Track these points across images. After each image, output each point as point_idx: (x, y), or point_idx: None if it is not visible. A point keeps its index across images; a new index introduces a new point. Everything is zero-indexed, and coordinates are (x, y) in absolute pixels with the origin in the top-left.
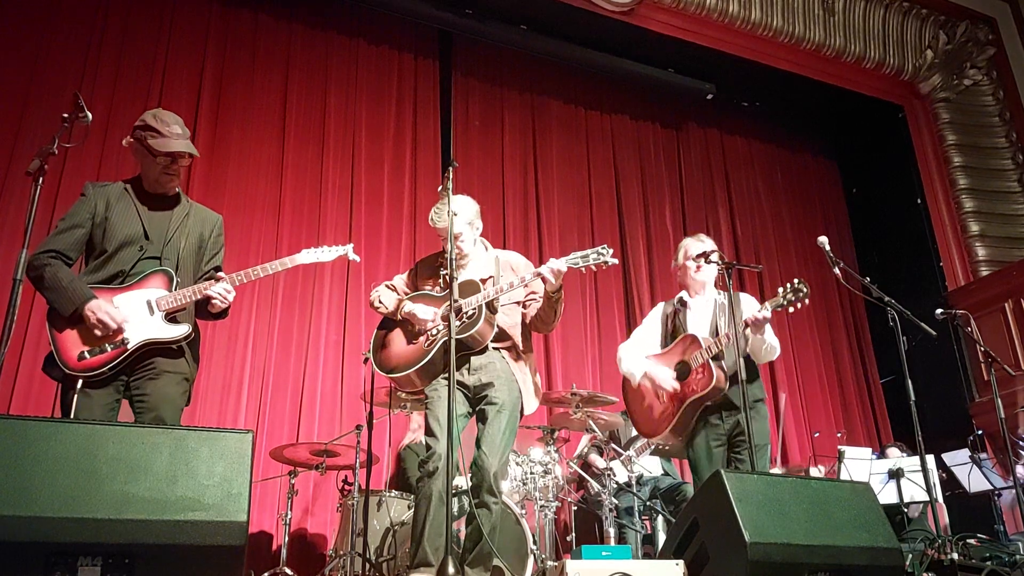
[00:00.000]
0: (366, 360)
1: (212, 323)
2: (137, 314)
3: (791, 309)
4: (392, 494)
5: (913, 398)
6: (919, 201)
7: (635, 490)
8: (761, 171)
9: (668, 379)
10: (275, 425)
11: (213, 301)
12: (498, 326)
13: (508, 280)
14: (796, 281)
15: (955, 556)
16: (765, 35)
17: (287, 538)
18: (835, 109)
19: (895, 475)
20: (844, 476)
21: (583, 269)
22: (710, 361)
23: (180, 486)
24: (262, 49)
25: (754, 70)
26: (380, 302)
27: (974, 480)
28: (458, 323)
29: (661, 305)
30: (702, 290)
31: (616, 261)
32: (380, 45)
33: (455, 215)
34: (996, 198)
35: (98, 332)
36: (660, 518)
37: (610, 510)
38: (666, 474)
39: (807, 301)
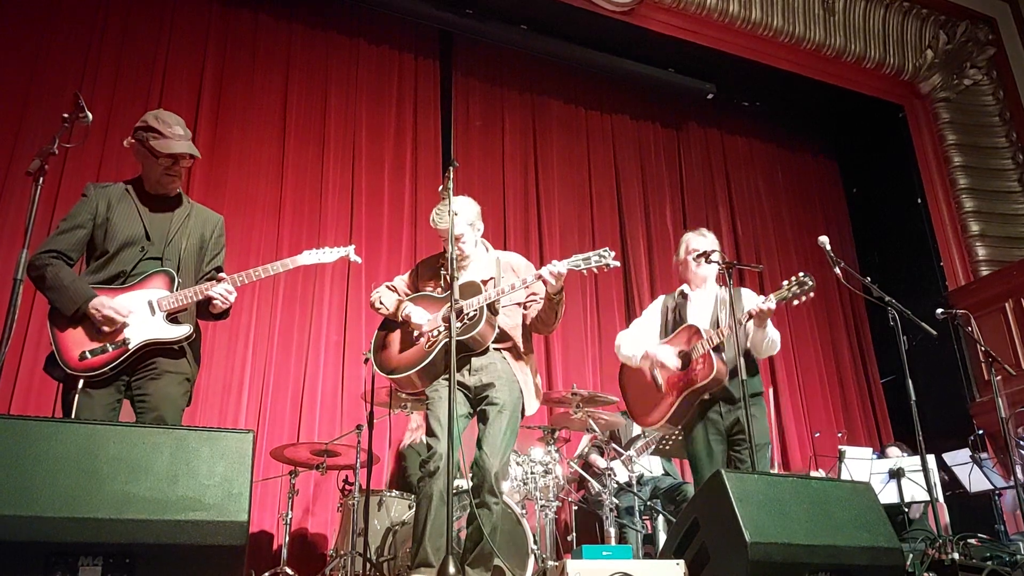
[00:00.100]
0: (367, 360)
1: (213, 323)
2: (138, 314)
3: (795, 302)
4: (393, 494)
5: (913, 398)
6: (919, 201)
7: (636, 490)
8: (761, 171)
9: (670, 357)
10: (276, 425)
11: (214, 302)
12: (499, 327)
13: (509, 281)
14: (801, 274)
15: (956, 556)
16: (765, 35)
17: (288, 538)
18: (835, 109)
19: (896, 475)
20: (844, 476)
21: (584, 271)
22: (711, 352)
23: (181, 486)
24: (262, 49)
25: (754, 70)
26: (381, 303)
27: (975, 480)
28: (459, 324)
29: (662, 298)
30: (703, 284)
31: (618, 263)
32: (380, 45)
33: (456, 215)
34: (996, 198)
35: (106, 328)
36: (660, 518)
37: (611, 510)
38: (666, 474)
39: (812, 294)
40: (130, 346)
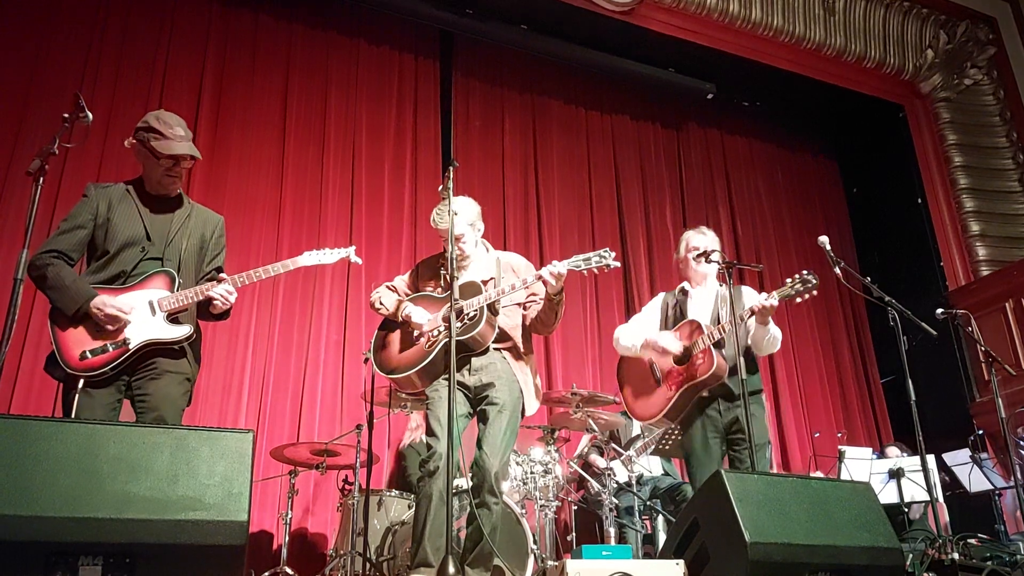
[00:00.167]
0: (366, 360)
1: (213, 323)
2: (139, 314)
3: (798, 300)
4: (392, 494)
5: (913, 398)
6: (919, 201)
7: (635, 490)
8: (761, 171)
9: (672, 342)
10: (275, 425)
11: (215, 302)
12: (499, 327)
13: (509, 282)
14: (805, 272)
15: (956, 556)
16: (765, 35)
17: (287, 537)
18: (835, 109)
19: (896, 475)
20: (844, 476)
21: (584, 271)
22: (712, 348)
23: (181, 486)
24: (262, 49)
25: (754, 70)
26: (381, 303)
27: (975, 480)
28: (459, 324)
29: (662, 295)
30: (704, 282)
31: (618, 264)
32: (380, 45)
33: (456, 215)
34: (997, 198)
35: (109, 327)
36: (660, 518)
37: (610, 510)
38: (666, 474)
39: (815, 293)
40: (130, 346)
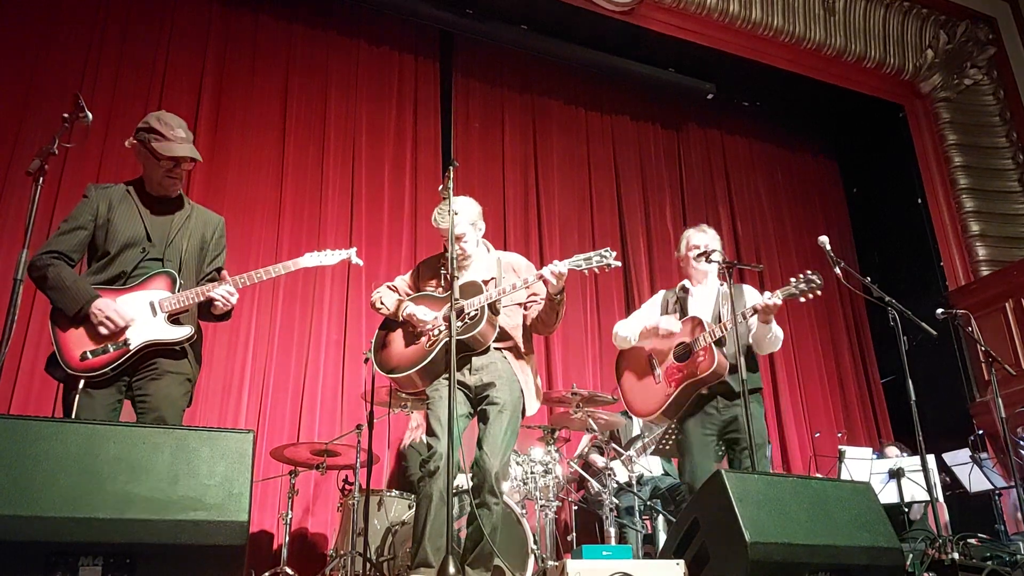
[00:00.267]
0: (367, 360)
1: (213, 323)
2: (140, 315)
3: (802, 299)
4: (392, 494)
5: (913, 398)
6: (919, 201)
7: (636, 490)
8: (761, 171)
9: (673, 323)
10: (276, 425)
11: (216, 303)
12: (500, 326)
13: (510, 281)
14: (809, 272)
15: (956, 556)
16: (765, 35)
17: (288, 538)
18: (835, 109)
19: (896, 475)
20: (844, 476)
21: (585, 271)
22: (713, 345)
23: (181, 486)
24: (262, 49)
25: (754, 70)
26: (381, 303)
27: (975, 480)
28: (460, 324)
29: (662, 292)
30: (704, 280)
31: (619, 263)
32: (380, 45)
33: (456, 215)
34: (997, 198)
35: (104, 330)
36: (660, 518)
37: (611, 510)
38: (666, 474)
39: (819, 293)
40: (131, 347)
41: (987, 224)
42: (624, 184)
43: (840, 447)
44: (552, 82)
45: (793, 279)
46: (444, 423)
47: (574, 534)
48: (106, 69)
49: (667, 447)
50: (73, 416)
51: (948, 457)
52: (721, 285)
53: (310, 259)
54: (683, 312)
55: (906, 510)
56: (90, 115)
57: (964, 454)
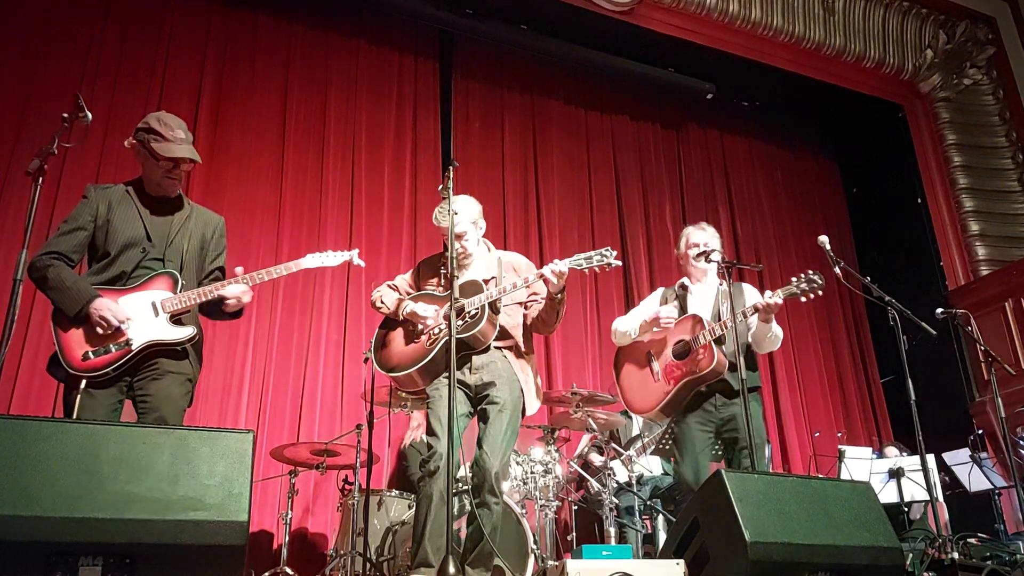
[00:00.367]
0: (367, 359)
1: (213, 323)
2: (142, 315)
3: (803, 299)
4: (392, 493)
5: (913, 398)
6: (919, 200)
7: (635, 490)
8: (761, 171)
9: (672, 311)
10: (276, 425)
11: (227, 301)
12: (500, 325)
13: (511, 281)
14: (811, 272)
15: (956, 555)
16: (765, 34)
17: (288, 537)
18: (835, 109)
19: (896, 475)
20: (844, 476)
21: (586, 270)
22: (712, 343)
23: (181, 486)
24: (262, 49)
25: (754, 69)
26: (382, 302)
27: (974, 480)
28: (460, 323)
29: (661, 290)
30: (704, 278)
31: (619, 263)
32: (380, 45)
33: (456, 214)
34: (996, 197)
35: (99, 330)
36: (660, 518)
37: (611, 509)
38: (666, 474)
39: (820, 293)
40: (133, 347)
41: (987, 224)
42: (624, 184)
43: (840, 447)
44: (552, 82)
45: (794, 278)
46: (444, 422)
47: (574, 534)
48: (106, 69)
49: (667, 447)
50: (75, 416)
51: (948, 457)
52: (721, 284)
53: (312, 260)
54: (683, 310)
55: (906, 510)
56: (90, 115)
57: (964, 454)
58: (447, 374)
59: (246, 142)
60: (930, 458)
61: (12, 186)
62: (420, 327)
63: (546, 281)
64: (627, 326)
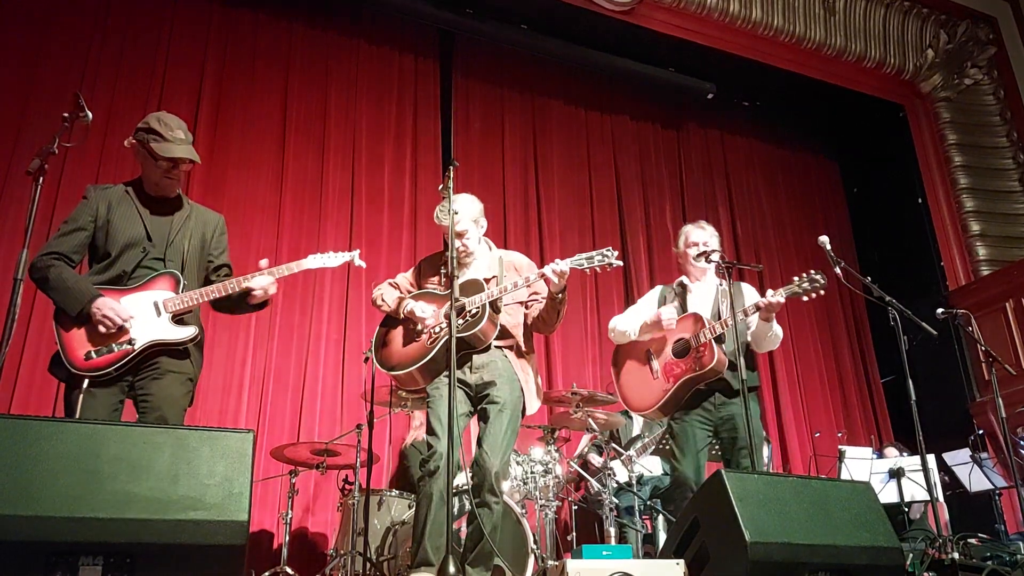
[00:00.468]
0: (367, 359)
1: (212, 323)
2: (144, 315)
3: (805, 298)
4: (393, 493)
5: (914, 398)
6: (920, 200)
7: (635, 490)
8: (761, 171)
9: (673, 312)
10: (276, 424)
11: (254, 293)
12: (501, 325)
13: (512, 280)
14: (813, 271)
15: (956, 555)
16: (766, 34)
17: (288, 537)
18: (835, 109)
19: (896, 475)
20: (844, 476)
21: (587, 270)
22: (713, 342)
23: (181, 485)
24: (262, 49)
25: (754, 69)
26: (383, 300)
27: (975, 480)
28: (461, 322)
29: (659, 288)
30: (703, 277)
31: (620, 263)
32: (380, 45)
33: (456, 213)
34: (997, 197)
35: (102, 328)
36: (660, 518)
37: (611, 509)
38: (666, 474)
39: (822, 292)
40: (136, 347)
41: (987, 224)
42: (624, 184)
43: (840, 447)
44: (552, 82)
45: (796, 278)
46: (444, 422)
47: (574, 534)
48: (106, 69)
49: (667, 447)
50: (77, 416)
51: (948, 457)
52: (721, 284)
53: (313, 261)
54: (682, 309)
55: (906, 510)
56: (90, 114)
57: (964, 454)
58: (447, 373)
59: (246, 142)
60: (930, 458)
61: (12, 186)
62: (420, 326)
63: (547, 281)
64: (626, 326)
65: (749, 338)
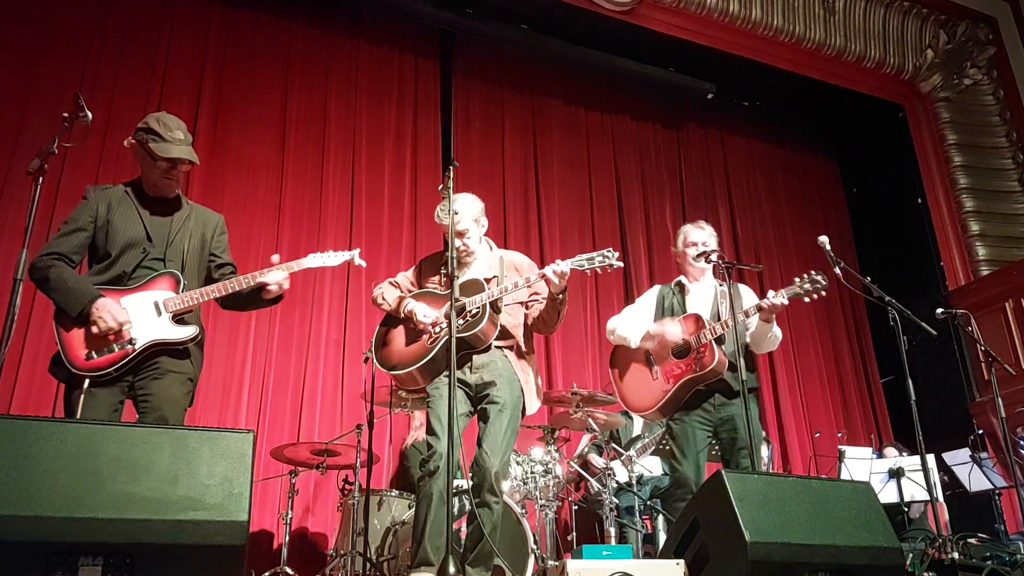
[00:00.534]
0: (367, 359)
1: (212, 323)
2: (144, 315)
3: (807, 299)
4: (393, 493)
5: (913, 398)
6: (919, 201)
7: (635, 490)
8: (761, 171)
9: (676, 332)
10: (276, 425)
11: (268, 287)
12: (501, 325)
13: (512, 280)
14: (814, 272)
15: (956, 555)
16: (765, 34)
17: (288, 537)
18: (835, 109)
19: (896, 475)
20: (844, 476)
21: (588, 271)
22: (713, 343)
23: (181, 486)
24: (262, 49)
25: (754, 69)
26: (383, 299)
27: (974, 479)
28: (462, 322)
29: (657, 287)
30: (701, 277)
31: (621, 264)
32: (380, 45)
33: (456, 213)
34: (996, 197)
35: (94, 329)
36: (660, 518)
37: (611, 509)
38: (666, 474)
39: (824, 293)
40: (136, 346)
41: (987, 224)
42: (624, 184)
43: (840, 447)
44: (552, 82)
45: (798, 279)
46: (444, 422)
47: (574, 534)
48: (106, 69)
49: (667, 447)
50: (78, 416)
51: (948, 457)
52: (721, 284)
53: (313, 260)
54: (681, 309)
55: (906, 509)
56: (90, 114)
57: (964, 454)
58: (448, 373)
59: (246, 141)
60: (930, 458)
61: (12, 186)
62: (420, 327)
63: (548, 281)
64: (627, 332)
65: (748, 339)
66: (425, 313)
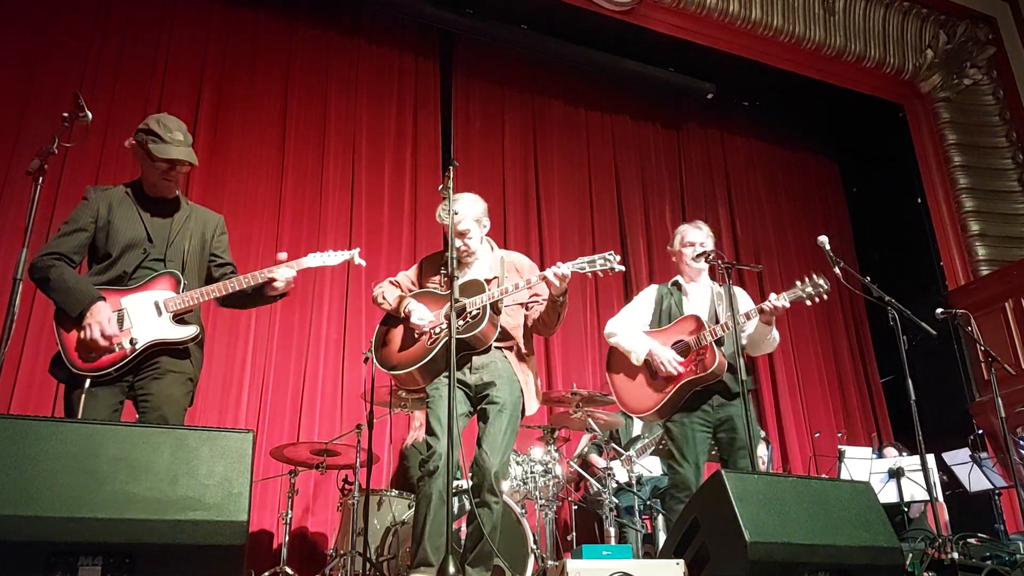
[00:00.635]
0: (366, 359)
1: (212, 323)
2: (145, 315)
3: (808, 302)
4: (393, 493)
5: (913, 398)
6: (919, 200)
7: (635, 490)
8: (761, 171)
9: (672, 361)
10: (275, 424)
11: (275, 283)
12: (501, 326)
13: (513, 281)
14: (815, 275)
15: (955, 555)
16: (765, 34)
17: (287, 537)
18: (835, 109)
19: (895, 475)
20: (844, 476)
21: (588, 274)
22: (713, 344)
23: (181, 486)
24: (262, 49)
25: (754, 69)
26: (383, 298)
27: (974, 479)
28: (462, 323)
29: (655, 288)
30: (698, 278)
31: (623, 268)
32: (381, 45)
33: (457, 213)
34: (996, 197)
35: (83, 335)
36: (660, 518)
37: (610, 509)
38: (666, 474)
39: (825, 296)
40: (137, 346)
41: (987, 224)
42: (624, 184)
43: (840, 447)
44: (552, 82)
45: (799, 282)
46: (444, 422)
47: (574, 534)
48: (106, 69)
49: (667, 448)
50: (79, 416)
51: (948, 457)
52: (720, 286)
53: (313, 259)
54: (678, 310)
55: (906, 509)
56: (90, 114)
57: (964, 454)
58: (447, 373)
59: (246, 141)
60: (930, 458)
61: (12, 186)
62: (419, 328)
63: (548, 283)
64: (629, 344)
65: (744, 341)
66: (421, 316)
